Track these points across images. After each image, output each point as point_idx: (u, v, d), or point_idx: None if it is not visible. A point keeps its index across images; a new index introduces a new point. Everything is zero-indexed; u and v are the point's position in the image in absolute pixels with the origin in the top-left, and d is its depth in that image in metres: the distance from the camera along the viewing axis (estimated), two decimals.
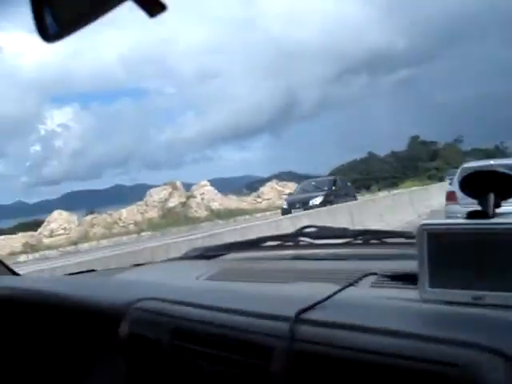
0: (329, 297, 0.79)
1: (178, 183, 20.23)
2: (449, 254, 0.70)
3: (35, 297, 1.21)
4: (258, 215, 21.47)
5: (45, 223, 17.20)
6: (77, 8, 0.57)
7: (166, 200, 19.03)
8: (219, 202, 21.25)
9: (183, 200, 19.48)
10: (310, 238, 1.37)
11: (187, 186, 24.01)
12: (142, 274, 1.44)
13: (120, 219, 17.30)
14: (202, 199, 20.54)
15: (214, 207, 20.40)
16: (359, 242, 1.32)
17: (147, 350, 0.91)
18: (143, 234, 16.17)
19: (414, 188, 19.83)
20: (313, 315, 0.74)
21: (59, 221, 16.91)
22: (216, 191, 22.69)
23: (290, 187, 29.96)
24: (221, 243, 1.67)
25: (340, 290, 0.82)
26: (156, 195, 19.13)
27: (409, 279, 0.84)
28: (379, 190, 34.79)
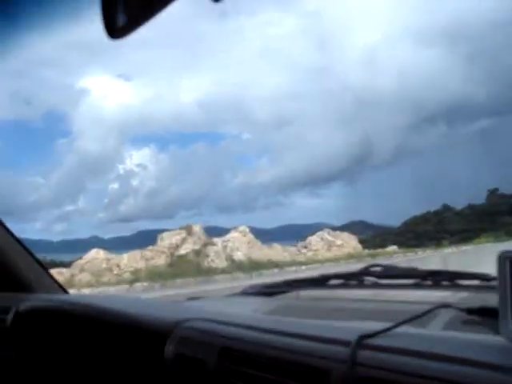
0: (395, 326, 0.75)
1: (197, 227, 17.85)
2: None
3: (85, 311, 1.22)
4: (292, 269, 18.78)
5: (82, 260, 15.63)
6: (141, 2, 0.63)
7: (178, 246, 16.69)
8: (247, 251, 18.63)
9: (197, 247, 17.02)
10: (376, 277, 1.32)
11: (257, 231, 22.23)
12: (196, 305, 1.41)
13: (118, 265, 15.12)
14: (225, 247, 18.04)
15: (236, 257, 17.81)
16: (429, 283, 1.25)
17: (193, 371, 0.87)
18: (138, 284, 13.81)
19: (487, 244, 17.78)
20: (376, 342, 0.71)
21: (93, 260, 15.20)
22: (250, 239, 20.25)
23: (344, 238, 27.37)
24: (282, 279, 1.58)
25: (409, 321, 0.79)
26: (167, 240, 16.85)
27: (488, 314, 0.82)
28: (450, 244, 31.73)
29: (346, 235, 27.72)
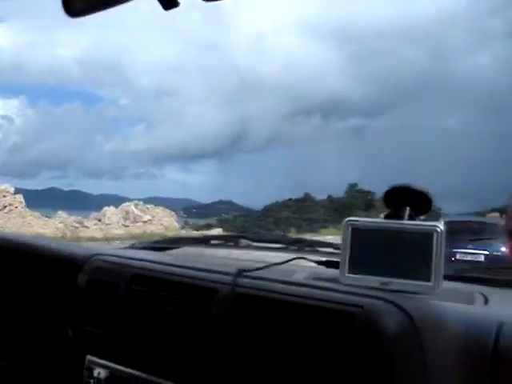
0: (265, 267, 1.05)
1: None
2: (366, 246, 0.90)
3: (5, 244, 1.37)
4: None
5: None
6: None
7: None
8: None
9: None
10: (250, 240, 1.55)
11: (123, 200, 22.66)
12: None
13: None
14: None
15: None
16: (294, 248, 1.46)
17: (106, 295, 1.04)
18: None
19: (328, 236, 18.42)
20: (251, 274, 1.00)
21: None
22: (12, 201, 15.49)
23: (158, 213, 23.22)
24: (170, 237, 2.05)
25: (274, 265, 1.09)
26: None
27: (332, 265, 1.10)
28: (298, 232, 31.18)
29: (160, 210, 23.64)
